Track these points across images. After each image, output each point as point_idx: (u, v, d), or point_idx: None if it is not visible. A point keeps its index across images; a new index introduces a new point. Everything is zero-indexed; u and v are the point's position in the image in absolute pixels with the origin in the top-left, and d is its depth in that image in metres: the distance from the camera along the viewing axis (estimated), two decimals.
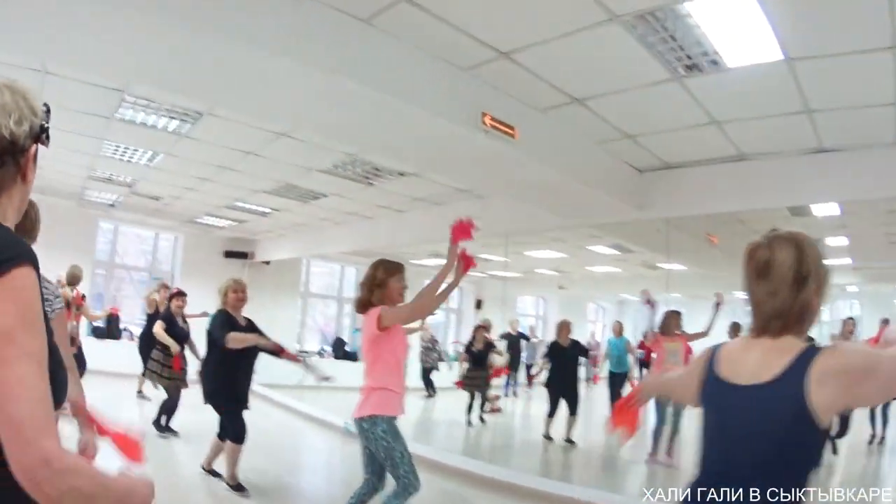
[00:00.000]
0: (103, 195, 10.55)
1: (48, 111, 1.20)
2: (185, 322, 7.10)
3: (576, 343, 8.07)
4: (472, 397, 9.25)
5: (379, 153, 6.17)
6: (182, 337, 6.85)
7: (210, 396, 4.96)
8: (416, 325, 6.86)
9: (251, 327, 5.12)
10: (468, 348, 9.37)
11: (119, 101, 5.64)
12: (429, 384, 11.32)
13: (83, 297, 6.95)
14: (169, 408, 6.73)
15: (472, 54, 4.23)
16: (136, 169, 8.19)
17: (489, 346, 9.45)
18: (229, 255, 13.02)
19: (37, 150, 1.18)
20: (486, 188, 7.13)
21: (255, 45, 3.51)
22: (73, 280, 6.64)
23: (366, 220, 10.11)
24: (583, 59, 4.13)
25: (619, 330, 8.55)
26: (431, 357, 11.36)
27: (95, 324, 11.70)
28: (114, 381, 9.38)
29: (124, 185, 9.38)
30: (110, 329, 12.03)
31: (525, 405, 11.48)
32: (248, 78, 4.03)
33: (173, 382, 6.70)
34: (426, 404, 11.17)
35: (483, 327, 9.60)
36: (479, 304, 10.74)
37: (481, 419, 9.42)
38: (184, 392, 6.78)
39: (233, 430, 4.87)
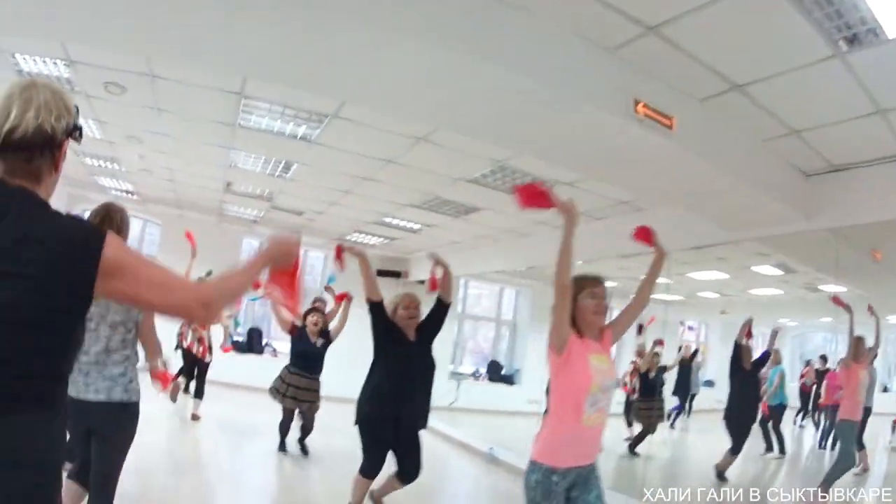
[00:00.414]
0: (244, 210, 11.65)
1: (78, 111, 1.65)
2: (324, 337, 7.73)
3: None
4: (646, 431, 9.27)
5: (526, 153, 6.12)
6: (311, 357, 7.62)
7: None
8: None
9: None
10: (644, 375, 9.52)
11: (239, 106, 6.16)
12: None
13: None
14: (284, 429, 7.71)
15: (619, 30, 4.13)
16: (270, 181, 8.96)
17: (663, 370, 9.66)
18: (382, 273, 13.59)
19: (67, 144, 1.63)
20: (643, 193, 6.91)
21: (391, 32, 3.68)
22: None
23: (522, 237, 10.14)
24: (738, 30, 3.95)
25: (778, 359, 8.73)
26: None
27: (236, 338, 13.05)
28: (250, 395, 10.62)
29: (263, 199, 10.23)
30: (251, 343, 13.40)
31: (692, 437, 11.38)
32: (381, 70, 4.22)
33: (292, 401, 7.55)
34: None
35: (640, 354, 10.09)
36: (640, 330, 10.80)
37: (633, 451, 9.33)
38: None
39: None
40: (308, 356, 7.63)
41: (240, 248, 13.93)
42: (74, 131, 1.64)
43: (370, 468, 5.12)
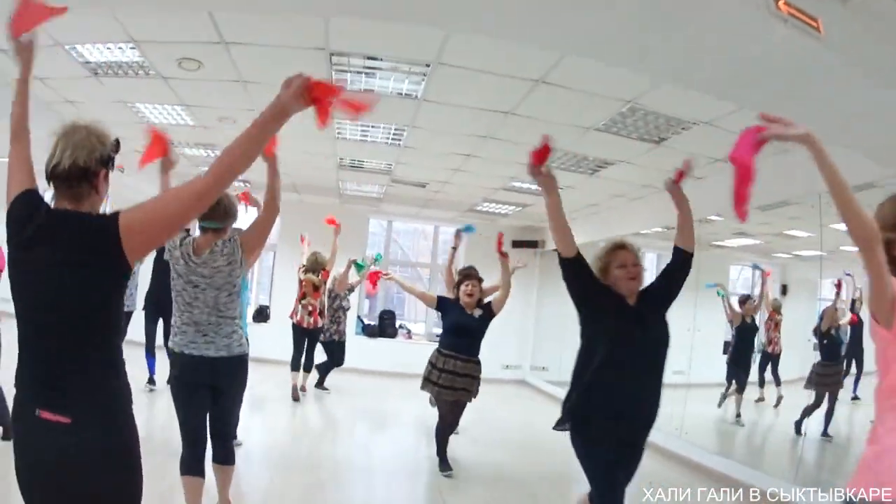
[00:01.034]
0: (364, 188, 11.03)
1: (118, 144, 2.15)
2: (483, 308, 6.41)
3: None
4: (820, 400, 7.85)
5: (650, 74, 4.91)
6: (470, 330, 6.29)
7: None
8: None
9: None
10: (825, 334, 8.23)
11: (329, 65, 5.37)
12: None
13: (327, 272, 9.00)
14: (442, 438, 6.39)
15: None
16: (384, 151, 8.20)
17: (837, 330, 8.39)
18: (518, 244, 12.90)
19: (107, 172, 2.11)
20: (789, 114, 5.42)
21: None
22: (315, 266, 8.91)
23: (660, 192, 8.77)
24: None
25: None
26: None
27: (367, 321, 13.04)
28: (384, 381, 10.71)
29: (380, 173, 9.56)
30: (383, 326, 13.03)
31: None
32: None
33: (449, 391, 6.22)
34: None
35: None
36: (784, 290, 10.09)
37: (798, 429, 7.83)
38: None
39: None
40: (462, 331, 6.27)
41: (367, 228, 13.48)
42: (109, 162, 2.11)
43: None
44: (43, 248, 1.94)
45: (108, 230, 1.92)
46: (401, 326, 13.38)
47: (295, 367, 9.11)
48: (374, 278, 8.01)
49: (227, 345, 3.75)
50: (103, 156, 2.08)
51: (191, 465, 3.75)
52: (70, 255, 1.93)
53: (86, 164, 2.03)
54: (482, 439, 7.24)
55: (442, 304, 6.47)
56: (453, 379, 6.13)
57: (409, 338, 13.32)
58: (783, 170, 6.25)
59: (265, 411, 8.26)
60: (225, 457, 3.98)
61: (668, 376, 3.42)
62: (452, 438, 6.53)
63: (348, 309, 9.78)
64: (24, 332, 1.99)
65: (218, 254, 3.72)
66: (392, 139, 7.58)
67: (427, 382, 6.25)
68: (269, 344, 10.60)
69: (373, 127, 7.17)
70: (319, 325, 9.11)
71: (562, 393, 3.73)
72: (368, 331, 13.02)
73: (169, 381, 3.91)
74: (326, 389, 9.85)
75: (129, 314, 7.43)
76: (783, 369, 9.58)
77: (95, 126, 2.09)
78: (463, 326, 6.24)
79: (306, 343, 9.20)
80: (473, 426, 7.45)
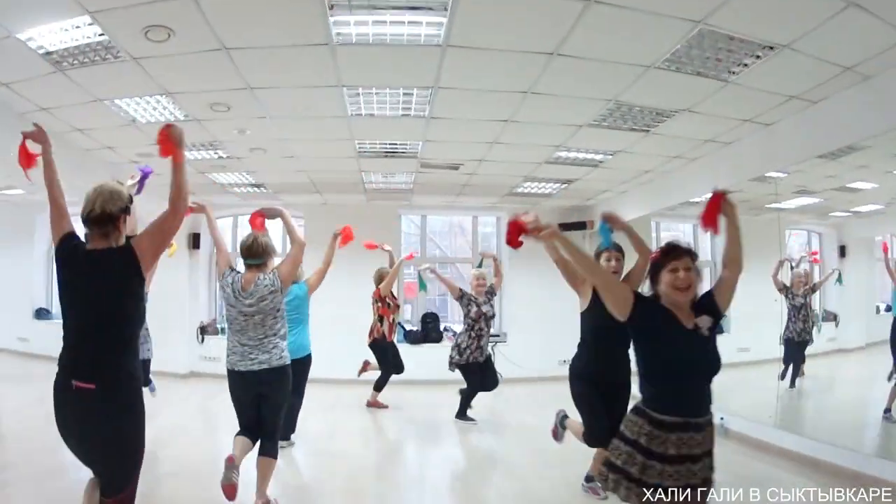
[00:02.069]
0: (391, 179, 10.06)
1: (131, 198, 3.27)
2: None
3: None
4: None
5: None
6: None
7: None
8: None
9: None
10: None
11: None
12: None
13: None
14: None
15: None
16: (407, 126, 7.18)
17: None
18: (565, 227, 11.73)
19: (125, 217, 3.16)
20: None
21: None
22: (379, 279, 9.02)
23: (724, 147, 7.60)
24: None
25: None
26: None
27: (409, 327, 12.26)
28: (431, 390, 10.05)
29: (407, 157, 8.56)
30: (427, 331, 12.23)
31: None
32: None
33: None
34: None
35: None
36: (843, 252, 9.62)
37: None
38: None
39: None
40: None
41: (398, 224, 12.51)
42: (127, 210, 3.20)
43: None
44: (86, 276, 3.05)
45: (129, 252, 3.07)
46: (446, 329, 12.40)
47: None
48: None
49: (268, 358, 4.67)
50: (121, 208, 3.17)
51: (242, 433, 4.76)
52: (106, 279, 3.04)
53: (111, 212, 3.12)
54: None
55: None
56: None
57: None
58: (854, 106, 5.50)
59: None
60: (268, 451, 4.73)
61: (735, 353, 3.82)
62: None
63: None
64: (69, 330, 3.07)
65: (261, 286, 4.67)
66: (416, 108, 6.55)
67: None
68: None
69: (391, 95, 6.15)
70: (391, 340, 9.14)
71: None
72: (412, 337, 12.10)
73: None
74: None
75: (147, 362, 7.22)
76: (846, 337, 9.12)
77: (117, 185, 3.26)
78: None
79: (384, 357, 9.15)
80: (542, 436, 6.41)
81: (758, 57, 5.01)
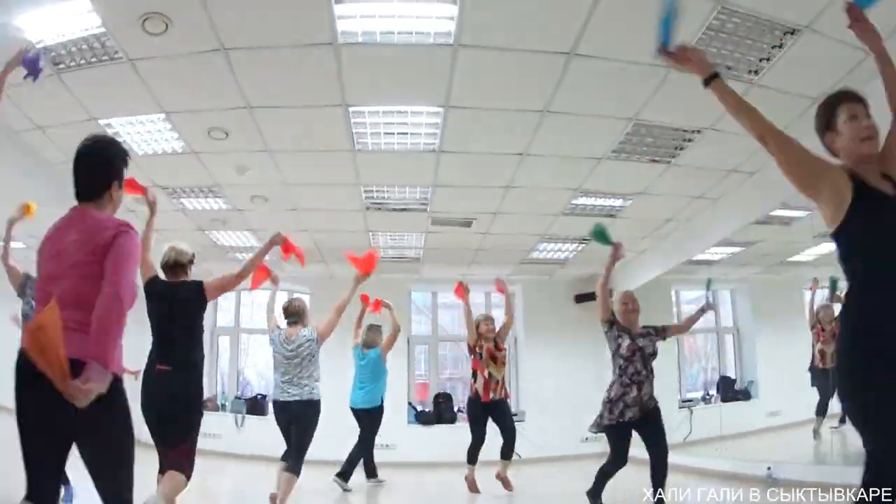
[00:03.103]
0: (399, 242, 9.91)
1: (194, 255, 4.80)
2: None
3: None
4: None
5: None
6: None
7: None
8: None
9: None
10: None
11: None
12: None
13: None
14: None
15: None
16: (415, 164, 6.98)
17: None
18: (581, 298, 11.60)
19: (191, 267, 4.73)
20: None
21: None
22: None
23: (749, 177, 7.32)
24: None
25: None
26: None
27: (419, 408, 11.90)
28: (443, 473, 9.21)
29: (416, 210, 8.35)
30: (440, 411, 11.82)
31: None
32: None
33: None
34: None
35: None
36: None
37: None
38: None
39: None
40: None
41: (408, 302, 12.16)
42: (192, 263, 4.69)
43: None
44: (167, 301, 4.44)
45: (199, 289, 4.46)
46: (459, 410, 11.82)
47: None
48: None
49: (299, 392, 5.85)
50: (189, 260, 4.69)
51: (285, 455, 6.03)
52: (182, 303, 4.43)
53: (183, 262, 4.64)
54: None
55: None
56: None
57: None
58: None
59: None
60: (292, 467, 5.78)
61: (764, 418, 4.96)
62: None
63: None
64: (156, 336, 4.47)
65: (302, 337, 5.97)
66: (425, 142, 6.36)
67: None
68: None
69: (398, 114, 5.95)
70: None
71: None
72: (423, 418, 11.60)
73: None
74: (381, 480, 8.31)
75: None
76: None
77: (185, 246, 4.71)
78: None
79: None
80: None
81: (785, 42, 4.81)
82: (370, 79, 5.29)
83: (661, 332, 5.56)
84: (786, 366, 8.85)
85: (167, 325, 4.42)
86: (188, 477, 4.20)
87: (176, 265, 4.60)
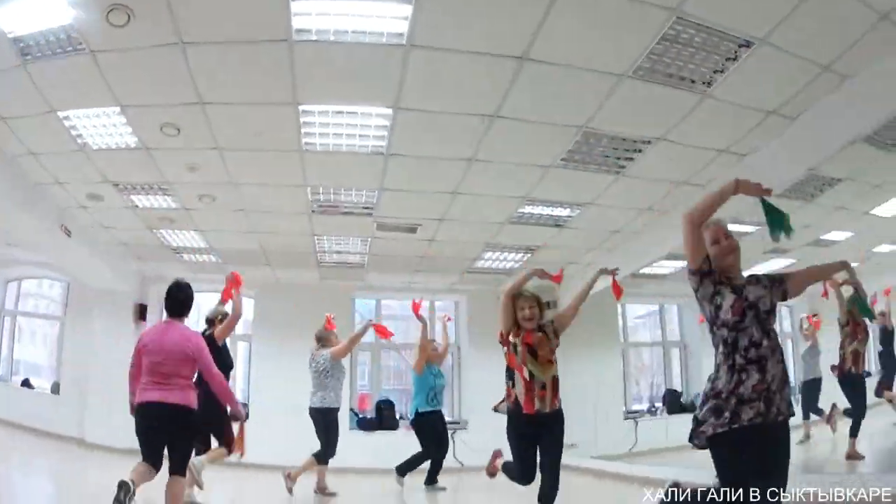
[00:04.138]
0: (343, 247, 9.94)
1: (225, 314, 6.55)
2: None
3: None
4: None
5: None
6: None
7: None
8: None
9: None
10: None
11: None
12: None
13: None
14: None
15: None
16: (359, 166, 7.04)
17: None
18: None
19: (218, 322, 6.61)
20: None
21: None
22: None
23: (699, 189, 7.53)
24: None
25: None
26: None
27: (362, 414, 12.03)
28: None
29: (362, 213, 8.42)
30: (382, 418, 11.92)
31: None
32: None
33: None
34: None
35: None
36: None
37: None
38: None
39: None
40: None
41: (352, 310, 12.14)
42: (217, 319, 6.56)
43: None
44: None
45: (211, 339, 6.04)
46: (401, 417, 11.96)
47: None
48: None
49: (322, 399, 7.45)
50: (216, 317, 6.58)
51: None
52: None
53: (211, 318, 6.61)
54: None
55: None
56: None
57: (410, 430, 11.78)
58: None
59: None
60: (319, 456, 7.38)
61: None
62: None
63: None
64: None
65: (320, 357, 7.57)
66: (374, 144, 6.47)
67: None
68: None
69: (348, 114, 6.03)
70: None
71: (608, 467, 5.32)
72: (364, 424, 11.70)
73: None
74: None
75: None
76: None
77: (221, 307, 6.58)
78: None
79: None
80: None
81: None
82: (322, 77, 5.40)
83: (780, 284, 3.53)
84: None
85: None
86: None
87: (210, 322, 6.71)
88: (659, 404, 13.93)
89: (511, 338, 5.04)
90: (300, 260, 10.32)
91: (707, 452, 3.41)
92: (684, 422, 10.89)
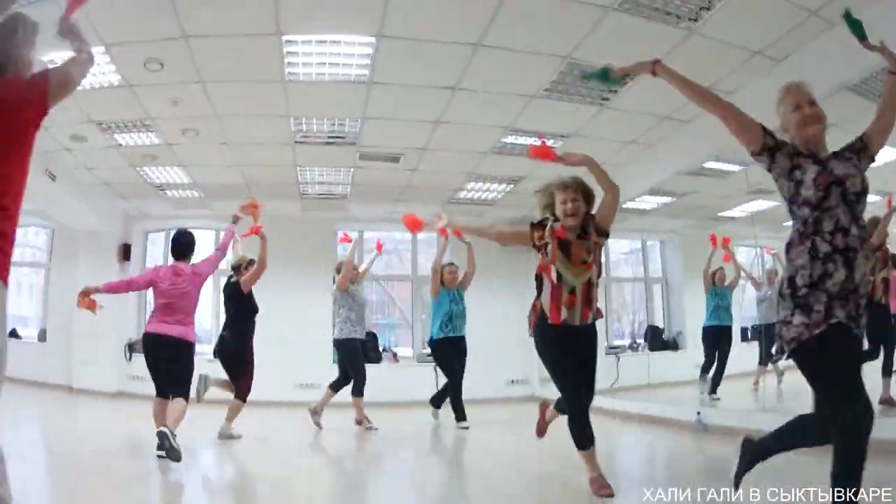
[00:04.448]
0: (326, 177, 9.97)
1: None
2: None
3: None
4: None
5: None
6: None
7: None
8: None
9: None
10: None
11: None
12: None
13: None
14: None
15: None
16: (342, 94, 7.00)
17: None
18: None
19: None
20: None
21: None
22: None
23: (685, 125, 7.64)
24: None
25: None
26: None
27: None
28: (379, 412, 8.65)
29: (345, 143, 8.41)
30: (365, 350, 11.52)
31: None
32: None
33: None
34: None
35: None
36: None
37: None
38: None
39: None
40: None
41: (333, 241, 12.26)
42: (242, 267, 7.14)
43: None
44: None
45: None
46: (384, 349, 12.20)
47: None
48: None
49: (339, 331, 7.88)
50: (241, 264, 7.14)
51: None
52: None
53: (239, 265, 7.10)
54: (494, 472, 5.45)
55: None
56: None
57: (396, 361, 12.06)
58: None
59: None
60: (353, 391, 7.71)
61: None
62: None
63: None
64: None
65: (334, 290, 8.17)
66: (357, 73, 6.47)
67: None
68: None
69: (331, 43, 6.00)
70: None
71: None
72: None
73: None
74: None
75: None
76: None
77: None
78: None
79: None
80: (484, 455, 6.29)
81: None
82: (305, 7, 5.37)
83: (864, 149, 2.94)
84: None
85: None
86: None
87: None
88: (641, 340, 13.85)
89: (546, 235, 4.33)
90: (283, 191, 10.33)
91: (680, 389, 3.44)
92: (665, 358, 11.20)
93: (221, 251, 6.20)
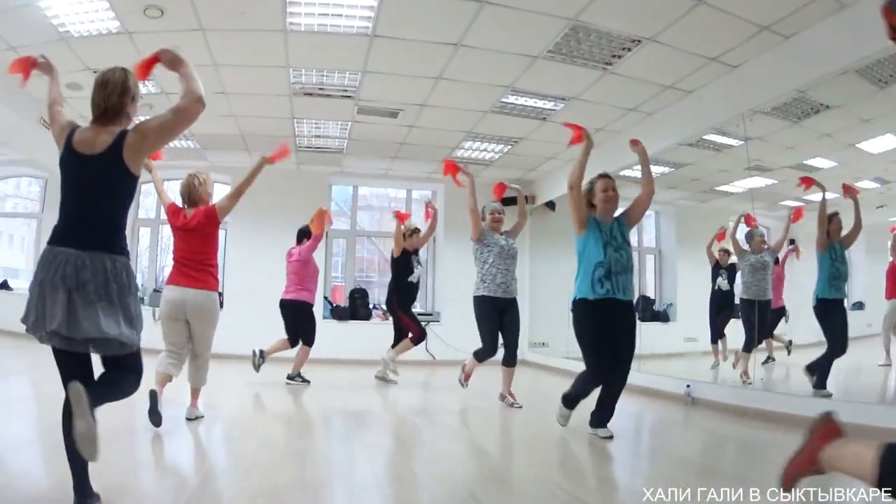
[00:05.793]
0: (323, 131, 9.91)
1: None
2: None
3: None
4: None
5: None
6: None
7: None
8: None
9: None
10: None
11: None
12: None
13: None
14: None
15: None
16: (343, 47, 6.98)
17: None
18: (504, 201, 11.56)
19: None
20: None
21: None
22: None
23: (687, 95, 7.71)
24: None
25: None
26: None
27: (336, 303, 12.26)
28: (369, 370, 9.25)
29: (344, 96, 8.42)
30: (354, 308, 12.18)
31: None
32: None
33: None
34: None
35: None
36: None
37: None
38: None
39: None
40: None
41: (328, 196, 12.31)
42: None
43: None
44: None
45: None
46: (374, 307, 12.30)
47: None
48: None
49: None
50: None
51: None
52: None
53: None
54: (483, 437, 5.65)
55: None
56: None
57: (386, 318, 12.05)
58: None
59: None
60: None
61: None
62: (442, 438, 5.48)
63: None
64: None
65: None
66: (359, 25, 6.44)
67: None
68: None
69: (335, 6, 6.04)
70: None
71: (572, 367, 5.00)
72: (338, 313, 12.00)
73: None
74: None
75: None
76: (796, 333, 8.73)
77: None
78: None
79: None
80: (472, 420, 6.44)
81: None
82: None
83: None
84: (705, 294, 9.09)
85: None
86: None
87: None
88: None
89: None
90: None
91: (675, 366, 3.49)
92: (656, 329, 11.25)
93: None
